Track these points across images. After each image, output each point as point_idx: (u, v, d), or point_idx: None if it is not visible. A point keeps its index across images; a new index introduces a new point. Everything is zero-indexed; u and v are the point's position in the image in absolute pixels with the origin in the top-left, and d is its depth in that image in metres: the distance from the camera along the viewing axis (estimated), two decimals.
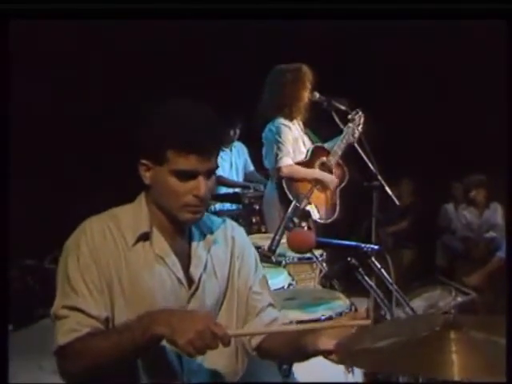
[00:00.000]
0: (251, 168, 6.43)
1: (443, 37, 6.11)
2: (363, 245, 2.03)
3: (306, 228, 3.31)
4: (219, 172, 6.25)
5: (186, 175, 1.85)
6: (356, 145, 4.47)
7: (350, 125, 4.56)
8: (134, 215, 1.95)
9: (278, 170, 4.52)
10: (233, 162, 6.46)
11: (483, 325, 1.46)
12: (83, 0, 2.58)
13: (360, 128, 4.55)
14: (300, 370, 2.43)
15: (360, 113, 4.57)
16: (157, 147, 1.84)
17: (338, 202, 4.78)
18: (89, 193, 5.84)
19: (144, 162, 1.89)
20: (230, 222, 2.15)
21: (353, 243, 2.07)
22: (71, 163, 6.00)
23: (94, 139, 5.88)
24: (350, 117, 4.54)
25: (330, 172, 4.70)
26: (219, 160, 1.94)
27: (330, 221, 4.66)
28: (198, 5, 2.54)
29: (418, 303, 4.55)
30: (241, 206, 5.88)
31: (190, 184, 1.86)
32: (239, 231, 2.15)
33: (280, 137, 4.52)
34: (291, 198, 4.42)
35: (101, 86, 6.05)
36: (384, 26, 4.58)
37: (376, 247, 2.03)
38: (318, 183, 4.63)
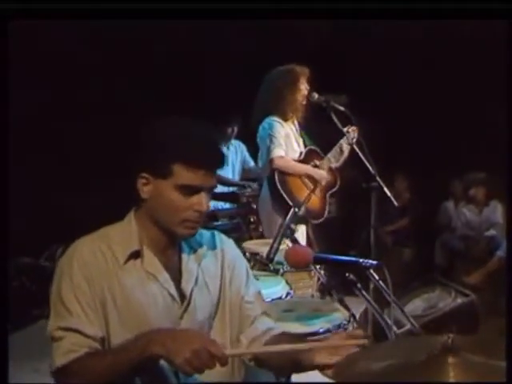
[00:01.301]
0: (251, 164, 6.36)
1: (443, 37, 6.10)
2: (361, 260, 2.01)
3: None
4: None
5: (191, 190, 1.84)
6: (355, 146, 4.45)
7: (344, 138, 4.55)
8: (123, 233, 1.94)
9: (271, 161, 4.51)
10: (229, 160, 6.43)
11: (482, 347, 1.44)
12: (83, 0, 2.58)
13: (353, 141, 4.54)
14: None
15: (353, 127, 4.56)
16: (163, 160, 1.83)
17: (327, 206, 4.75)
18: (84, 192, 5.86)
19: (144, 175, 1.87)
20: (218, 235, 2.14)
21: (351, 259, 2.05)
22: (68, 162, 6.00)
23: (92, 140, 5.87)
24: (345, 130, 4.53)
25: None
26: None
27: (316, 222, 4.65)
28: (198, 5, 2.54)
29: (418, 303, 4.55)
30: (235, 206, 5.86)
31: (192, 199, 1.85)
32: (229, 243, 2.15)
33: (272, 131, 4.52)
34: (283, 194, 4.45)
35: (101, 86, 6.05)
36: (384, 25, 4.57)
37: (375, 262, 2.01)
38: (309, 179, 4.63)
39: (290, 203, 4.36)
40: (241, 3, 2.54)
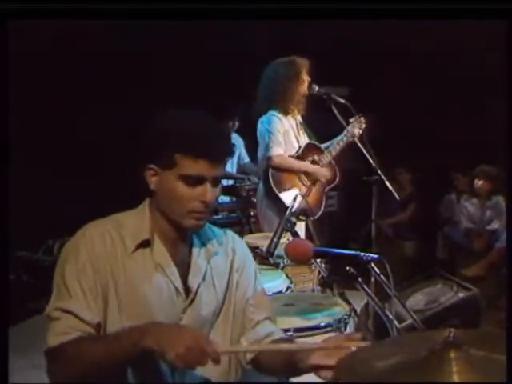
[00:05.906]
0: (246, 159, 6.39)
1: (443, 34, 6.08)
2: (362, 254, 2.02)
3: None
4: None
5: (194, 180, 1.85)
6: (356, 139, 4.44)
7: (349, 128, 4.51)
8: (136, 221, 1.94)
9: (269, 159, 4.47)
10: None
11: (483, 341, 1.44)
12: (83, 0, 2.58)
13: (360, 132, 4.50)
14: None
15: (361, 118, 4.53)
16: (165, 150, 1.84)
17: (323, 203, 4.72)
18: (82, 186, 5.87)
19: (151, 166, 1.88)
20: (231, 234, 2.14)
21: (351, 252, 2.04)
22: (66, 158, 6.00)
23: (92, 137, 5.87)
24: (351, 120, 4.49)
25: None
26: None
27: (314, 218, 4.62)
28: (198, 5, 2.54)
29: (419, 297, 4.56)
30: (234, 199, 5.87)
31: (197, 190, 1.85)
32: (240, 244, 2.14)
33: (270, 127, 4.48)
34: (275, 190, 4.43)
35: (101, 86, 6.04)
36: (384, 24, 4.54)
37: (375, 256, 2.02)
38: (306, 176, 4.60)
39: (283, 201, 4.37)
40: (241, 3, 2.54)
